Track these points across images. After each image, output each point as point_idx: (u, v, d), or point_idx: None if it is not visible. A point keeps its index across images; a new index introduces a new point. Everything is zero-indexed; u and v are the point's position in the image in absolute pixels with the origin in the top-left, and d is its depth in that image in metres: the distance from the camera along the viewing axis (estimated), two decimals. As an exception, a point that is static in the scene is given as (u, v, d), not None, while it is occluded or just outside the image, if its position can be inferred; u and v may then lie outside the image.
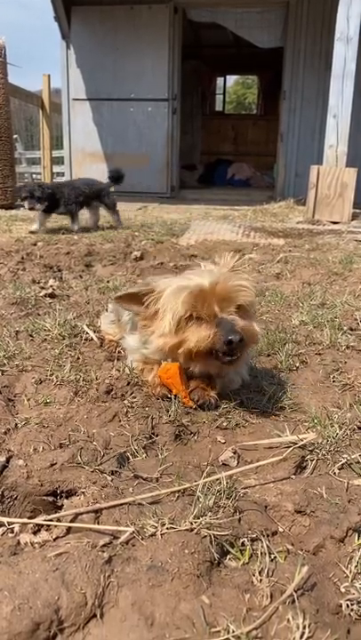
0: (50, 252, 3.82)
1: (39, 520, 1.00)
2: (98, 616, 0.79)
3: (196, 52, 12.22)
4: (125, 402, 1.48)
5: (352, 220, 5.97)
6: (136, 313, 1.51)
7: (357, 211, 6.33)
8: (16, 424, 1.35)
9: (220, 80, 15.98)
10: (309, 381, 1.69)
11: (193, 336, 1.35)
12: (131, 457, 1.23)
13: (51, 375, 1.63)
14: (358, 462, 1.21)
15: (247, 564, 0.90)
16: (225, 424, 1.39)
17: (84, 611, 0.79)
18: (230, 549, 0.93)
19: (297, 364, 1.81)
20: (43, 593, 0.79)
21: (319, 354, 1.91)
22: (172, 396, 1.47)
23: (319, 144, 7.37)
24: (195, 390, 1.48)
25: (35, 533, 0.99)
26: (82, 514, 1.00)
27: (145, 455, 1.24)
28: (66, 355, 1.81)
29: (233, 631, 0.76)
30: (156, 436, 1.33)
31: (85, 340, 1.99)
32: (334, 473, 1.17)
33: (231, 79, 24.68)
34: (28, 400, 1.50)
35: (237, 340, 1.29)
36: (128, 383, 1.58)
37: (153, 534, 0.93)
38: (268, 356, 1.90)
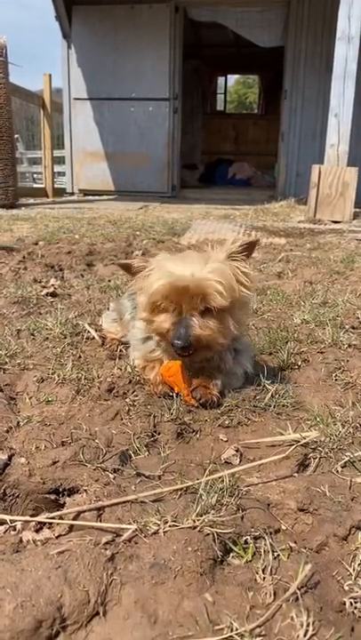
0: (51, 251, 3.82)
1: (41, 518, 1.00)
2: (101, 614, 0.79)
3: (197, 52, 12.21)
4: (127, 400, 1.48)
5: (353, 219, 5.96)
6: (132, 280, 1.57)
7: (359, 210, 6.32)
8: (18, 422, 1.35)
9: (220, 79, 15.97)
10: (311, 380, 1.68)
11: (156, 323, 1.45)
12: (133, 455, 1.22)
13: (52, 374, 1.63)
14: (361, 460, 1.20)
15: (250, 561, 0.90)
16: (227, 422, 1.39)
17: (87, 608, 0.79)
18: (233, 547, 0.92)
19: (299, 363, 1.80)
20: (45, 591, 0.79)
21: (321, 352, 1.90)
22: (174, 395, 1.47)
23: (320, 143, 7.35)
24: (197, 389, 1.47)
25: (37, 531, 0.98)
26: (84, 512, 1.00)
27: (147, 453, 1.24)
28: (67, 353, 1.81)
29: (236, 629, 0.76)
30: (158, 434, 1.32)
31: (87, 338, 1.98)
32: (337, 471, 1.17)
33: (232, 79, 24.69)
34: (30, 398, 1.50)
35: (179, 347, 1.37)
36: (130, 381, 1.58)
37: (156, 532, 0.93)
38: (270, 354, 1.89)
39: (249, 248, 1.50)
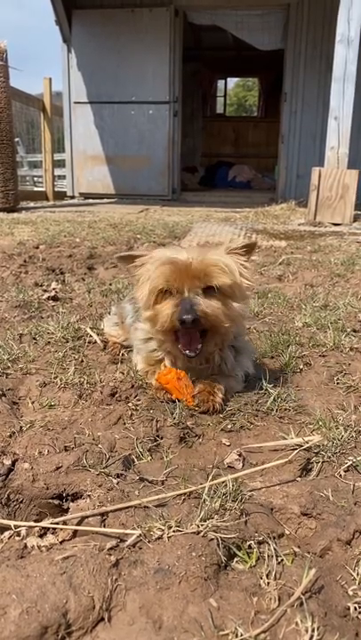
0: (52, 254, 3.83)
1: (45, 523, 1.00)
2: (106, 619, 0.79)
3: (197, 55, 12.25)
4: (130, 404, 1.48)
5: (354, 221, 5.97)
6: (132, 275, 1.56)
7: (359, 212, 6.33)
8: (21, 427, 1.35)
9: (220, 82, 16.02)
10: (313, 383, 1.69)
11: (160, 313, 1.41)
12: (136, 460, 1.23)
13: (55, 378, 1.63)
14: (364, 464, 1.20)
15: (254, 566, 0.90)
16: (230, 426, 1.39)
17: (92, 614, 0.79)
18: (237, 552, 0.92)
19: (301, 366, 1.80)
20: (51, 596, 0.79)
21: (323, 356, 1.90)
22: (176, 400, 1.47)
23: (320, 146, 7.37)
24: (200, 394, 1.47)
25: (41, 537, 0.99)
26: (88, 517, 1.00)
27: (150, 458, 1.24)
28: (69, 357, 1.81)
29: (241, 634, 0.76)
30: (161, 438, 1.33)
31: (89, 342, 1.99)
32: (340, 475, 1.17)
33: (232, 81, 24.77)
34: (33, 403, 1.50)
35: (190, 321, 1.33)
36: (132, 386, 1.58)
37: (160, 537, 0.93)
38: (272, 358, 1.89)
39: (248, 248, 1.51)
